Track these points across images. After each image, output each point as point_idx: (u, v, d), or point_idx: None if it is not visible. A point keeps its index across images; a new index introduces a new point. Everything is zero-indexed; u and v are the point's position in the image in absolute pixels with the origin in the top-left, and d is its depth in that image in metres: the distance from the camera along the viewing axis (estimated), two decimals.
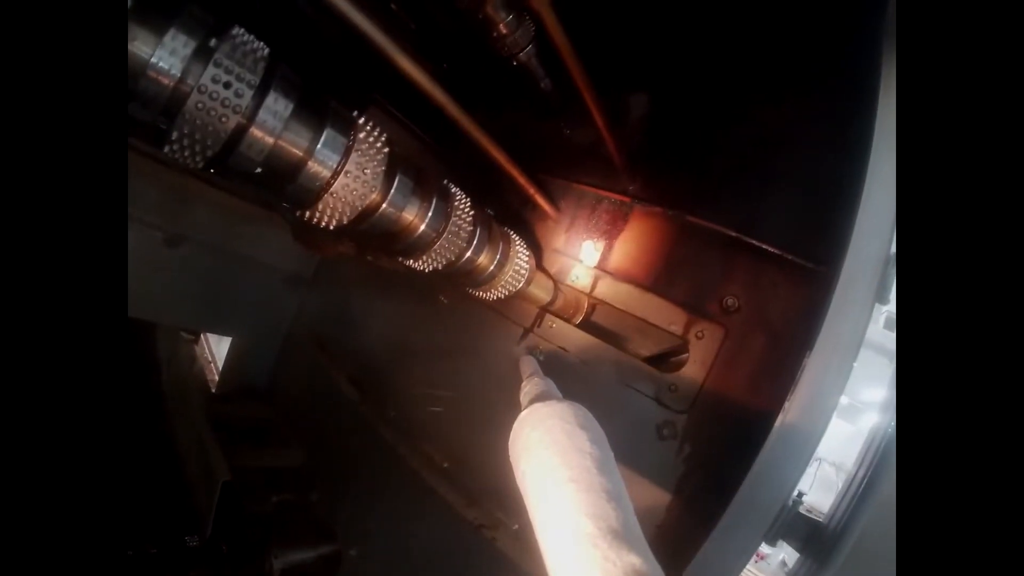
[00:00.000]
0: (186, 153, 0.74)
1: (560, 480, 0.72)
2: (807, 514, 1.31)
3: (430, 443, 1.81)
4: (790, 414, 1.04)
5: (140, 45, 0.65)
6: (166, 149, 0.73)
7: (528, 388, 1.09)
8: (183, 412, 2.48)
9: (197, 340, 3.06)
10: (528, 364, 1.23)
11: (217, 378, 2.86)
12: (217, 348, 3.16)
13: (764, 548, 1.40)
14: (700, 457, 1.34)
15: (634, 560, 0.57)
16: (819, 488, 9.32)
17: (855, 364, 1.08)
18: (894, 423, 1.25)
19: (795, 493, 1.24)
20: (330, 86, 1.59)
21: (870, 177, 1.07)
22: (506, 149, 1.38)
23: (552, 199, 1.67)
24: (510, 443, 0.89)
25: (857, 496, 1.26)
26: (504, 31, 1.33)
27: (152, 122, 0.71)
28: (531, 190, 1.48)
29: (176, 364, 2.82)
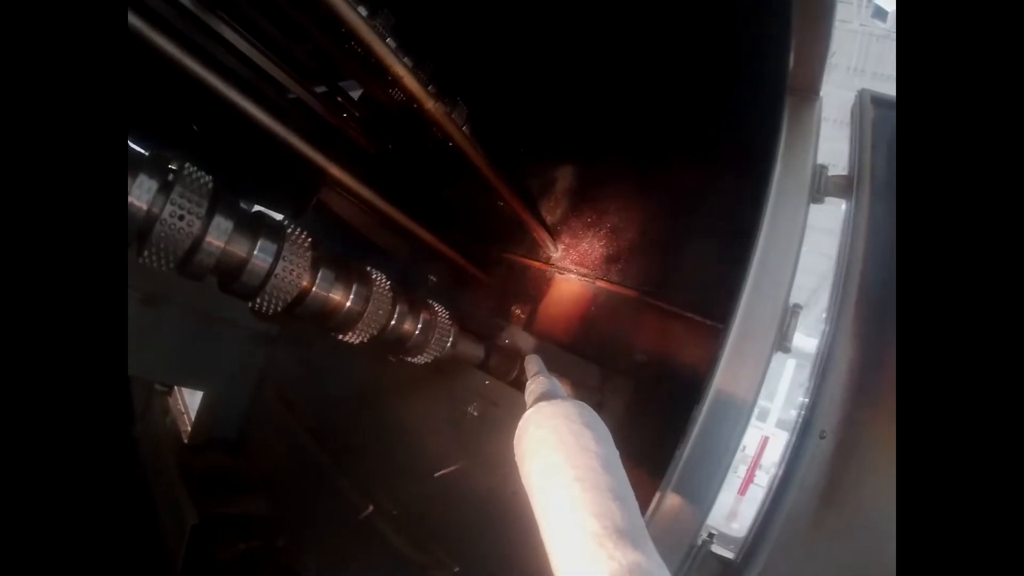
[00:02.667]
0: (155, 263, 1.03)
1: (566, 479, 0.74)
2: (718, 552, 1.47)
3: (383, 492, 2.04)
4: (683, 464, 1.15)
5: None
6: (140, 259, 1.03)
7: (533, 387, 1.13)
8: (156, 461, 2.71)
9: (171, 392, 3.32)
10: (533, 363, 1.28)
11: (190, 428, 3.10)
12: (191, 399, 3.39)
13: None
14: None
15: (640, 559, 0.60)
16: None
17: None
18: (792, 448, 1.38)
19: (704, 534, 1.40)
20: (278, 176, 1.90)
21: (765, 235, 1.22)
22: (447, 220, 1.65)
23: (485, 267, 1.95)
24: (515, 441, 0.92)
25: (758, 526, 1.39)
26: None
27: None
28: (461, 262, 1.77)
29: (150, 415, 3.07)
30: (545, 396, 1.04)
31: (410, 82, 1.25)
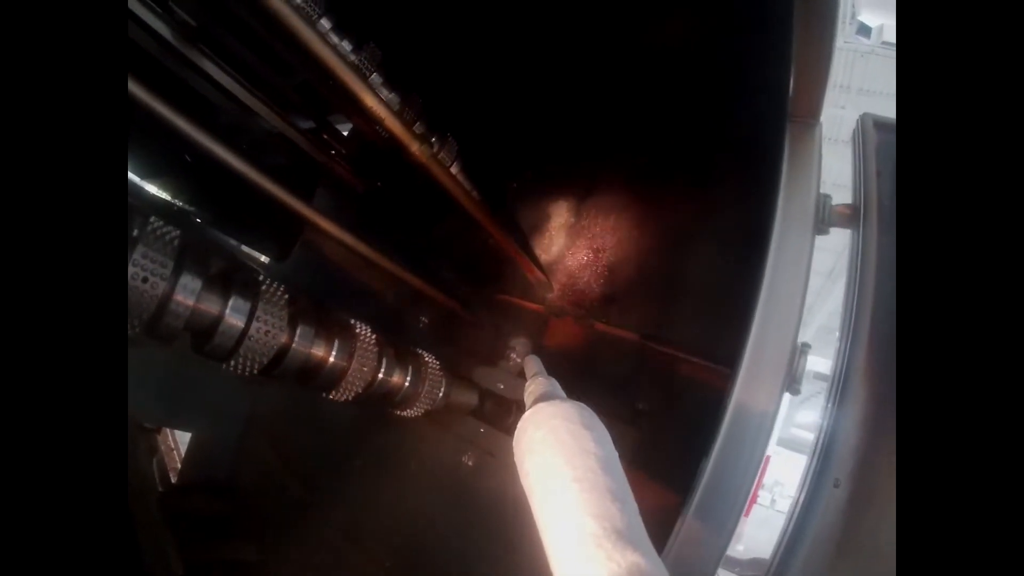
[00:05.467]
0: None
1: (565, 480, 0.74)
2: None
3: (374, 540, 1.95)
4: (691, 518, 1.09)
5: None
6: None
7: (532, 387, 1.12)
8: (140, 503, 2.62)
9: (159, 430, 3.22)
10: (533, 364, 1.26)
11: (180, 467, 3.01)
12: (182, 437, 3.30)
13: None
14: None
15: (638, 560, 0.60)
16: None
17: None
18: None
19: None
20: (264, 216, 1.83)
21: (769, 274, 1.17)
22: (437, 259, 1.58)
23: (478, 308, 1.87)
24: (514, 442, 0.92)
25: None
26: (432, 147, 1.53)
27: None
28: (451, 305, 1.69)
29: (136, 456, 2.98)
30: (544, 397, 1.03)
31: (392, 124, 1.18)
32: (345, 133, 2.21)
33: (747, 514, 11.01)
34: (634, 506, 0.73)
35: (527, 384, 1.17)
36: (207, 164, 1.95)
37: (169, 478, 2.87)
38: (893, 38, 8.21)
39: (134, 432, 2.98)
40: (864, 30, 8.73)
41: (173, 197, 2.78)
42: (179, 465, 3.09)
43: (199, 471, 2.77)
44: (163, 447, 3.19)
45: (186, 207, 2.74)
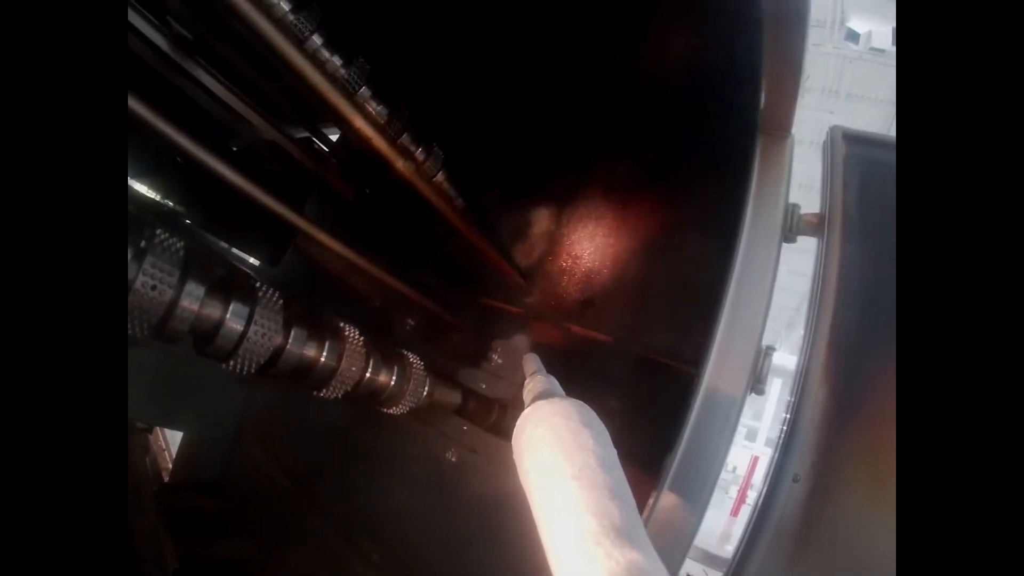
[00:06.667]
0: (130, 330, 1.06)
1: (563, 478, 0.74)
2: None
3: (363, 534, 2.04)
4: (658, 516, 1.15)
5: None
6: None
7: (531, 385, 1.13)
8: (136, 501, 2.71)
9: (151, 430, 3.31)
10: (532, 362, 1.27)
11: (171, 467, 3.10)
12: (172, 437, 3.38)
13: None
14: None
15: (637, 557, 0.61)
16: None
17: None
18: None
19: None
20: (256, 221, 1.93)
21: (736, 280, 1.23)
22: (423, 264, 1.68)
23: (462, 311, 1.98)
24: (513, 440, 0.93)
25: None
26: (418, 160, 1.63)
27: None
28: (436, 309, 1.80)
29: (130, 454, 3.07)
30: (543, 395, 1.04)
31: (379, 143, 1.28)
32: (334, 139, 2.30)
33: (735, 514, 11.16)
34: (633, 504, 0.74)
35: (526, 382, 1.18)
36: (200, 168, 2.07)
37: (162, 477, 2.96)
38: (881, 44, 8.40)
39: (129, 431, 3.06)
40: (853, 36, 8.93)
41: (163, 197, 2.86)
42: (170, 465, 3.17)
43: (191, 470, 2.84)
44: (155, 447, 3.28)
45: (176, 208, 2.83)
